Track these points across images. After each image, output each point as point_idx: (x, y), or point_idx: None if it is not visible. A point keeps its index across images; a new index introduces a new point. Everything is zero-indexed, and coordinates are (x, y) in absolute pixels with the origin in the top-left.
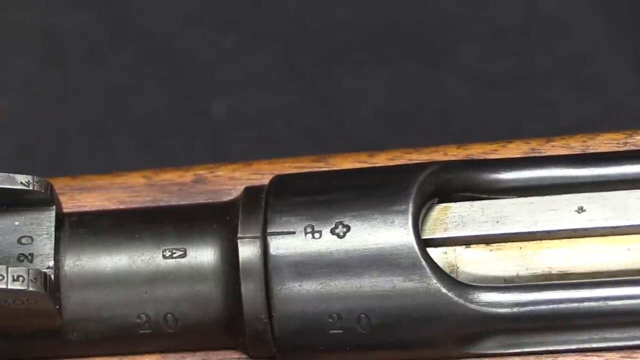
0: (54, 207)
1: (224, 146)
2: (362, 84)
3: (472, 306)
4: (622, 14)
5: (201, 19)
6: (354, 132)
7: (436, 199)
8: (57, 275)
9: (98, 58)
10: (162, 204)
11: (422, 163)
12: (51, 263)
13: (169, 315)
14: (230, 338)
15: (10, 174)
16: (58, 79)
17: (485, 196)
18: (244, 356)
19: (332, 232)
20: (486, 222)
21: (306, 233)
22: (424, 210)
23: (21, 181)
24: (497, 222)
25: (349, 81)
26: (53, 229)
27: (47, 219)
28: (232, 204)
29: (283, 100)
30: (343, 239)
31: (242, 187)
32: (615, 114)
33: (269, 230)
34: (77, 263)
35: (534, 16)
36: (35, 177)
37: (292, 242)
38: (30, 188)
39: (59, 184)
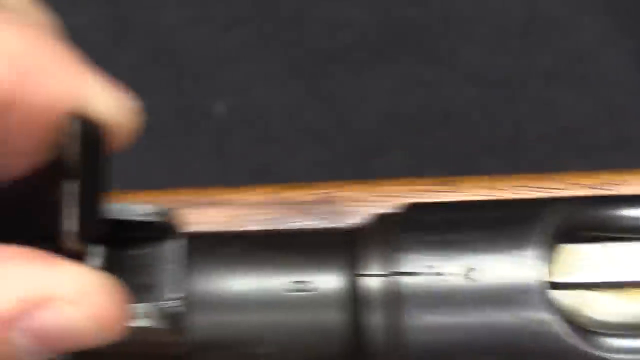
0: (177, 235)
1: (224, 146)
2: (363, 84)
3: (597, 353)
4: (624, 13)
5: (202, 19)
6: (355, 132)
7: (563, 240)
8: (184, 305)
9: (98, 58)
10: (284, 223)
11: (551, 201)
12: (176, 295)
13: (293, 350)
14: None
15: (130, 204)
16: None
17: (618, 236)
18: None
19: (459, 274)
20: (616, 266)
21: (434, 275)
22: (551, 253)
23: (141, 212)
24: (628, 266)
25: (350, 81)
26: (177, 258)
27: (170, 249)
28: (360, 234)
29: (284, 101)
30: (470, 282)
31: (367, 209)
32: (617, 113)
33: (395, 270)
34: (203, 291)
35: (535, 16)
36: (156, 206)
37: (420, 283)
38: (151, 219)
39: (180, 196)
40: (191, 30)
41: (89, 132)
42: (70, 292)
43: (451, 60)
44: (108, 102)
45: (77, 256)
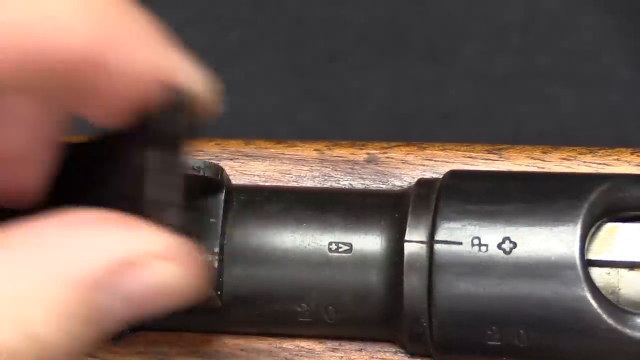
0: (223, 190)
1: None
2: (364, 83)
3: (629, 332)
4: (623, 12)
5: (202, 19)
6: (356, 132)
7: (605, 219)
8: (220, 260)
9: None
10: (331, 181)
11: (595, 178)
12: (216, 249)
13: (330, 307)
14: (388, 333)
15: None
16: None
17: None
18: (401, 350)
19: (499, 246)
20: None
21: (473, 245)
22: (591, 231)
23: (192, 166)
24: None
25: (351, 81)
26: (221, 213)
27: (215, 203)
28: (401, 199)
29: (284, 100)
30: (509, 255)
31: (414, 172)
32: (616, 111)
33: (436, 238)
34: (242, 246)
35: (535, 15)
36: (206, 161)
37: (458, 252)
38: (201, 174)
39: (231, 147)
40: (191, 30)
41: (181, 103)
42: (163, 250)
43: (452, 59)
44: (194, 77)
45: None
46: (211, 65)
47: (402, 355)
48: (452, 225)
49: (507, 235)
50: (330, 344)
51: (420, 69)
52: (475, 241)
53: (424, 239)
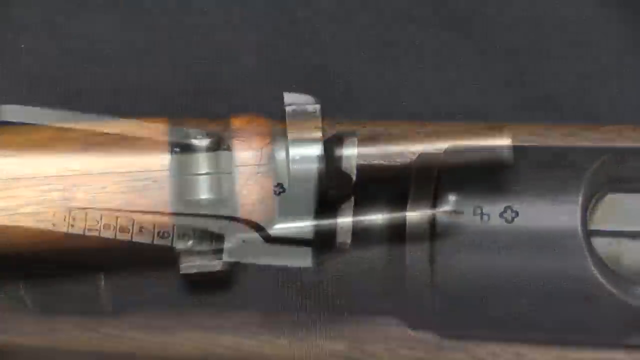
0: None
1: None
2: (364, 83)
3: (630, 300)
4: (623, 5)
5: (204, 21)
6: None
7: (606, 189)
8: None
9: (103, 61)
10: None
11: (596, 149)
12: None
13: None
14: (391, 306)
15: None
16: (61, 79)
17: None
18: (403, 323)
19: (501, 215)
20: None
21: (475, 214)
22: (593, 201)
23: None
24: None
25: (351, 80)
26: None
27: None
28: (405, 173)
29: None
30: (511, 224)
31: (415, 149)
32: (617, 109)
33: (438, 207)
34: None
35: (536, 13)
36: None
37: (460, 221)
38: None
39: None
40: (193, 33)
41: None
42: None
43: (452, 60)
44: None
45: None
46: (211, 65)
47: (404, 328)
48: (454, 195)
49: (508, 204)
50: (331, 317)
51: (421, 69)
52: (477, 210)
53: (426, 208)
